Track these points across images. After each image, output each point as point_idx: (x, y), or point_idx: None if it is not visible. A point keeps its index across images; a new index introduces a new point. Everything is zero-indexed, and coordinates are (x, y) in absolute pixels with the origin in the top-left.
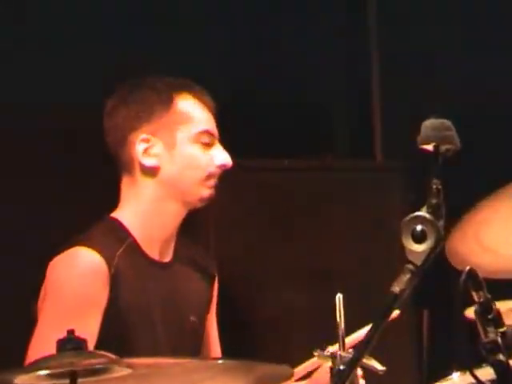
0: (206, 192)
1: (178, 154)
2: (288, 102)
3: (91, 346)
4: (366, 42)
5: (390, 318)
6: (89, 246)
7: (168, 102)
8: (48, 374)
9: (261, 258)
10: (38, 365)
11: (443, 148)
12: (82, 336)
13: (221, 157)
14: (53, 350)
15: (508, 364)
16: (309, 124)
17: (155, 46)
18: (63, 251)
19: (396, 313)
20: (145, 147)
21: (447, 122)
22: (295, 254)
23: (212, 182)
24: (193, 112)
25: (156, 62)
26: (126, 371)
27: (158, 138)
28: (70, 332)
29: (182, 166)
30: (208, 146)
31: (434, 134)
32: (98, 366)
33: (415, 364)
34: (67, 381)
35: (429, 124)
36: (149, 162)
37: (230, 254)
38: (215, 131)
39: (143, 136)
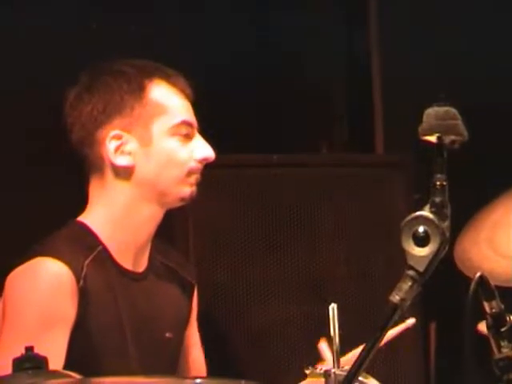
0: (187, 190)
1: (154, 150)
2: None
3: (59, 365)
4: (366, 38)
5: (403, 328)
6: (53, 256)
7: (140, 91)
8: None
9: (246, 267)
10: None
11: (448, 139)
12: (49, 355)
13: (202, 150)
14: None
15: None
16: (304, 116)
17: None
18: (23, 262)
19: (411, 321)
20: (116, 145)
21: (453, 110)
22: (283, 260)
23: (193, 178)
24: (168, 101)
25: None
26: None
27: (130, 133)
28: (29, 349)
29: (159, 163)
30: (187, 137)
31: (438, 123)
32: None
33: (420, 382)
34: None
35: (432, 112)
36: (121, 161)
37: (212, 260)
38: (194, 121)
39: (114, 132)
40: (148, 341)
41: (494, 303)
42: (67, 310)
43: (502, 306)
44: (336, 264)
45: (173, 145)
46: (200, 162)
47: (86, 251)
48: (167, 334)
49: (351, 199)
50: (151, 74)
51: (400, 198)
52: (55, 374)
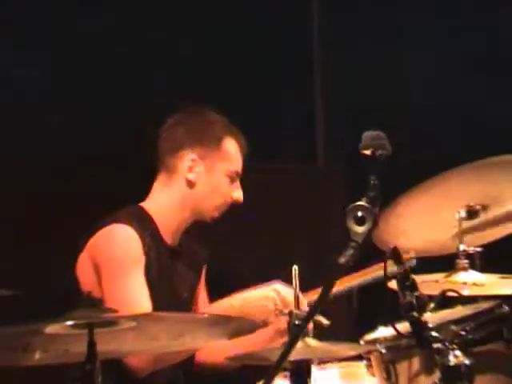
0: (216, 215)
1: (212, 178)
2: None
3: (146, 292)
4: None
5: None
6: (125, 224)
7: (220, 141)
8: (71, 325)
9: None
10: (63, 317)
11: (378, 153)
12: (139, 284)
13: (238, 193)
14: (140, 297)
15: (420, 320)
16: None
17: None
18: (103, 227)
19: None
20: (190, 165)
21: (382, 133)
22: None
23: (223, 208)
24: (233, 153)
25: None
26: (132, 324)
27: (202, 161)
28: (88, 293)
29: (212, 188)
30: (233, 180)
31: (372, 142)
32: (109, 319)
33: (349, 319)
34: (86, 331)
35: (368, 134)
36: (190, 176)
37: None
38: (241, 171)
39: (193, 156)
40: (172, 297)
41: (401, 266)
42: (142, 257)
43: (408, 268)
44: (287, 243)
45: (224, 181)
46: (234, 200)
47: (144, 227)
48: (185, 295)
49: (298, 199)
50: (229, 132)
51: (336, 196)
52: (106, 310)
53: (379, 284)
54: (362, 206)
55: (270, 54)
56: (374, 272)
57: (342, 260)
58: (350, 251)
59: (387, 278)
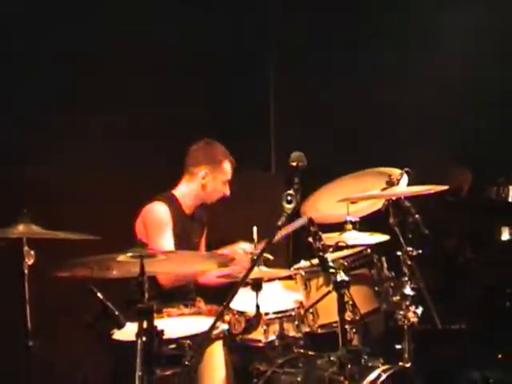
0: (214, 201)
1: (215, 184)
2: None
3: (171, 242)
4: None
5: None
6: (162, 202)
7: (221, 163)
8: (131, 256)
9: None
10: (127, 251)
11: (300, 165)
12: (170, 239)
13: (227, 191)
14: (167, 243)
15: (324, 257)
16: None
17: None
18: (148, 203)
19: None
20: (203, 175)
21: (302, 153)
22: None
23: (218, 198)
24: (228, 171)
25: None
26: (163, 257)
27: (210, 174)
28: (140, 240)
29: (214, 189)
30: (225, 184)
31: (297, 158)
32: (151, 253)
33: (285, 256)
34: (138, 260)
35: (294, 153)
36: (203, 181)
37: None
38: (230, 179)
39: (206, 171)
40: (188, 242)
41: (315, 227)
42: (170, 221)
43: (316, 228)
44: (251, 217)
45: (221, 185)
46: (224, 195)
47: (172, 204)
48: (196, 240)
49: (258, 193)
50: (226, 158)
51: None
52: (150, 249)
53: (302, 238)
54: (290, 193)
55: None
56: (296, 224)
57: (279, 222)
58: (283, 218)
59: (308, 233)
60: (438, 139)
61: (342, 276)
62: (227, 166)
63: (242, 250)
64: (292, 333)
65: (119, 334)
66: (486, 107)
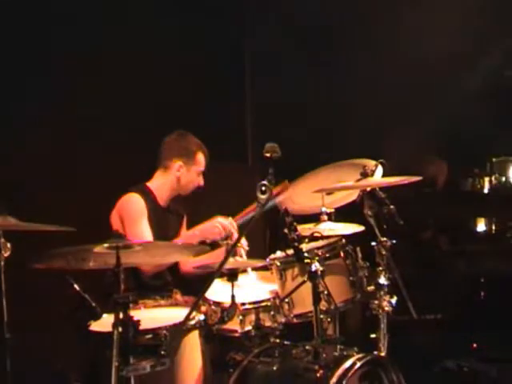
0: (189, 193)
1: (189, 176)
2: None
3: (150, 234)
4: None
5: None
6: (136, 193)
7: (195, 154)
8: (107, 247)
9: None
10: (103, 242)
11: (274, 156)
12: (147, 229)
13: (201, 182)
14: (144, 233)
15: (299, 247)
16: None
17: None
18: (124, 195)
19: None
20: (178, 167)
21: (275, 144)
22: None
23: (193, 189)
24: (202, 162)
25: None
26: (139, 247)
27: (185, 166)
28: (116, 231)
29: (188, 181)
30: (199, 175)
31: (271, 149)
32: (127, 244)
33: (261, 247)
34: (115, 251)
35: (269, 144)
36: (178, 174)
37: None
38: (204, 170)
39: (180, 163)
40: (163, 235)
41: (290, 218)
42: (145, 211)
43: (291, 219)
44: (224, 203)
45: (195, 176)
46: (199, 185)
47: (147, 196)
48: (171, 233)
49: (235, 183)
50: (200, 149)
51: (256, 181)
52: (126, 240)
53: (280, 232)
54: (264, 184)
55: None
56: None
57: (257, 209)
58: (259, 208)
59: (283, 223)
60: (414, 131)
61: (316, 266)
62: (201, 157)
63: (219, 222)
64: (268, 323)
65: (96, 325)
66: (461, 99)
